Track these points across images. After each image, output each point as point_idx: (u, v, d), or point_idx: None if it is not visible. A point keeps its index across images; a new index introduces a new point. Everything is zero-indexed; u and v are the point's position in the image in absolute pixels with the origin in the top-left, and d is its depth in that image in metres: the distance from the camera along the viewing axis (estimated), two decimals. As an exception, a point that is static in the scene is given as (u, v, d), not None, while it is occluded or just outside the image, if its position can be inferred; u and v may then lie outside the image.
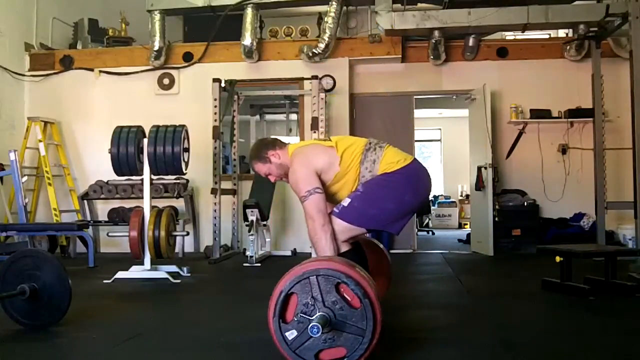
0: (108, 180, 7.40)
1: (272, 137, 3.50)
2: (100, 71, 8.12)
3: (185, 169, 5.66)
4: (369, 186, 3.18)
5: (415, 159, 3.31)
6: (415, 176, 3.25)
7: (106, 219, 7.75)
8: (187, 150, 5.67)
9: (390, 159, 3.20)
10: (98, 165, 7.69)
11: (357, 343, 2.55)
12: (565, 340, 3.21)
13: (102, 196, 7.72)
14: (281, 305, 2.60)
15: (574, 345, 3.14)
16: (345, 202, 3.17)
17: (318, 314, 2.54)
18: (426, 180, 3.33)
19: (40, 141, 7.54)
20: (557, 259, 4.41)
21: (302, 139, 7.86)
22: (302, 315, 2.58)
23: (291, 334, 2.61)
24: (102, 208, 7.99)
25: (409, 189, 3.19)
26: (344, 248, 3.16)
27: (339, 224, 3.13)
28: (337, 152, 3.22)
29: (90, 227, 7.51)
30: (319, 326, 2.49)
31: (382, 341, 3.07)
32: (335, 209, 3.18)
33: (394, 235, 7.51)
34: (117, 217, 7.61)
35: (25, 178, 7.12)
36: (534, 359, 2.92)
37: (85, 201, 7.85)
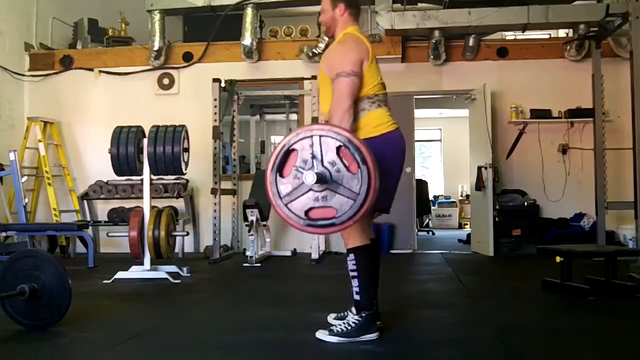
0: (108, 181, 7.38)
1: (359, 5, 3.43)
2: (100, 71, 8.11)
3: (185, 169, 5.66)
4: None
5: (396, 128, 3.24)
6: (391, 142, 3.20)
7: (106, 219, 7.74)
8: (187, 150, 5.67)
9: (373, 121, 3.17)
10: (98, 165, 7.69)
11: (348, 206, 2.57)
12: (566, 341, 3.21)
13: (102, 196, 7.71)
14: (281, 159, 2.65)
15: (576, 345, 3.14)
16: None
17: (315, 172, 2.59)
18: (402, 146, 3.27)
19: (40, 141, 7.53)
20: (558, 259, 4.41)
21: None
22: (299, 169, 2.61)
23: (285, 188, 2.66)
24: (102, 208, 7.98)
25: (386, 157, 3.09)
26: (365, 240, 3.14)
27: None
28: (366, 69, 3.17)
29: (90, 227, 7.50)
30: (314, 174, 2.54)
31: (383, 341, 3.08)
32: None
33: (394, 235, 7.65)
34: (117, 217, 7.60)
35: (25, 178, 7.11)
36: (536, 359, 2.92)
37: (85, 201, 7.84)
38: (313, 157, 2.62)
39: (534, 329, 3.50)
